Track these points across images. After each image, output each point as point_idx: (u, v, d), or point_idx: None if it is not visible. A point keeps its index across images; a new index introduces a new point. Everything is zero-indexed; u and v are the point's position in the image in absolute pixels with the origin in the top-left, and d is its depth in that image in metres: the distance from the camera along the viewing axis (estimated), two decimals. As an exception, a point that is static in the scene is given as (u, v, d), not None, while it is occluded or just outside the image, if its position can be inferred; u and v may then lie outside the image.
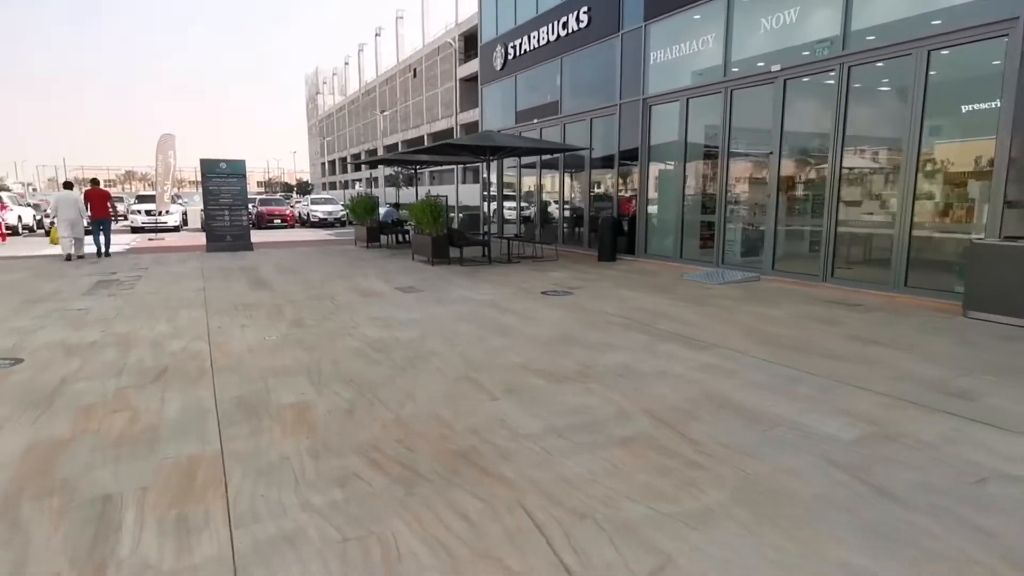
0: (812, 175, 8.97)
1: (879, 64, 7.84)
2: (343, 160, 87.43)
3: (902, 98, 7.59)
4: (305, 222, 30.02)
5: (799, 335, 5.86)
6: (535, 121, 15.17)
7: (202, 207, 25.44)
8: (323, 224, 29.31)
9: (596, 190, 13.55)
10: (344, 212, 31.05)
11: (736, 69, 9.74)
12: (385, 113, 60.69)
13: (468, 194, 36.22)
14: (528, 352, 5.26)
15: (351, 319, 6.68)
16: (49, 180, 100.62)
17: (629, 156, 12.25)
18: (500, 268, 11.17)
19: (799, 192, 9.12)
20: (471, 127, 51.58)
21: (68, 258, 12.49)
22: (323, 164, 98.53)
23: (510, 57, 16.17)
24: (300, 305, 7.56)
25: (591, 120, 13.27)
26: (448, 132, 54.99)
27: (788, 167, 9.17)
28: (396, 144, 64.87)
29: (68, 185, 13.84)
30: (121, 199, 37.20)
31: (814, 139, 8.97)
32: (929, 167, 7.42)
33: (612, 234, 12.05)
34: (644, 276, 10.01)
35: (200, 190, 17.08)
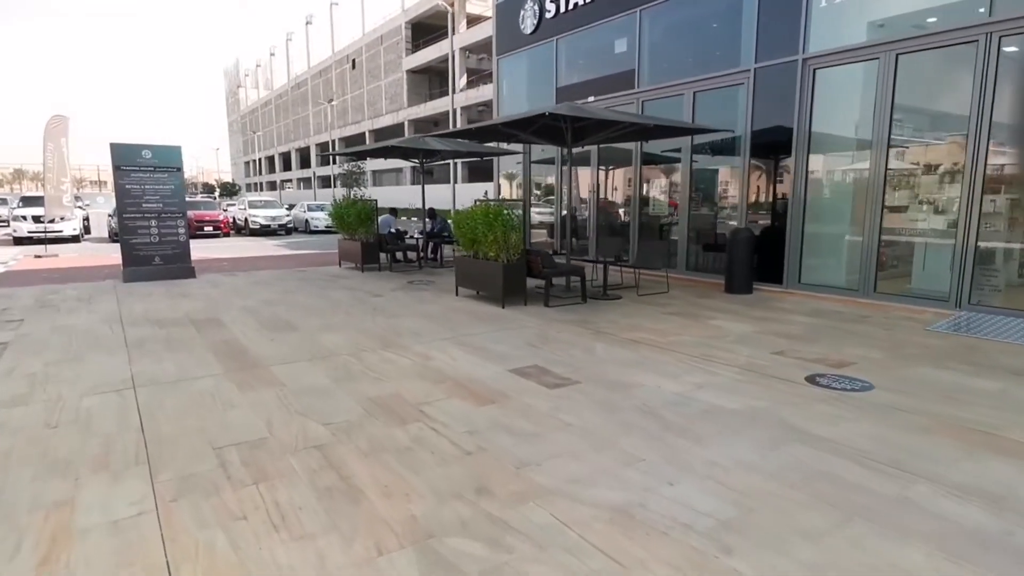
0: None
1: None
2: (270, 158, 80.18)
3: None
4: (241, 229, 24.79)
5: None
6: (591, 99, 11.24)
7: (110, 212, 20.05)
8: (265, 232, 24.26)
9: (721, 192, 9.77)
10: (289, 218, 26.06)
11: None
12: (333, 103, 55.09)
13: (418, 197, 31.64)
14: None
15: (561, 530, 2.55)
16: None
17: (768, 145, 8.59)
18: (611, 311, 7.20)
19: None
20: (420, 124, 46.94)
21: None
22: (247, 163, 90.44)
23: (547, 16, 12.19)
24: (370, 444, 3.34)
25: (693, 94, 9.51)
26: (394, 128, 50.12)
27: None
28: (334, 141, 59.10)
29: None
30: (4, 201, 30.70)
31: None
32: None
33: (751, 257, 8.36)
34: (863, 326, 6.33)
35: (105, 190, 12.14)
